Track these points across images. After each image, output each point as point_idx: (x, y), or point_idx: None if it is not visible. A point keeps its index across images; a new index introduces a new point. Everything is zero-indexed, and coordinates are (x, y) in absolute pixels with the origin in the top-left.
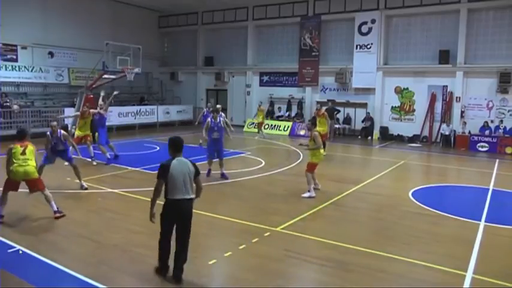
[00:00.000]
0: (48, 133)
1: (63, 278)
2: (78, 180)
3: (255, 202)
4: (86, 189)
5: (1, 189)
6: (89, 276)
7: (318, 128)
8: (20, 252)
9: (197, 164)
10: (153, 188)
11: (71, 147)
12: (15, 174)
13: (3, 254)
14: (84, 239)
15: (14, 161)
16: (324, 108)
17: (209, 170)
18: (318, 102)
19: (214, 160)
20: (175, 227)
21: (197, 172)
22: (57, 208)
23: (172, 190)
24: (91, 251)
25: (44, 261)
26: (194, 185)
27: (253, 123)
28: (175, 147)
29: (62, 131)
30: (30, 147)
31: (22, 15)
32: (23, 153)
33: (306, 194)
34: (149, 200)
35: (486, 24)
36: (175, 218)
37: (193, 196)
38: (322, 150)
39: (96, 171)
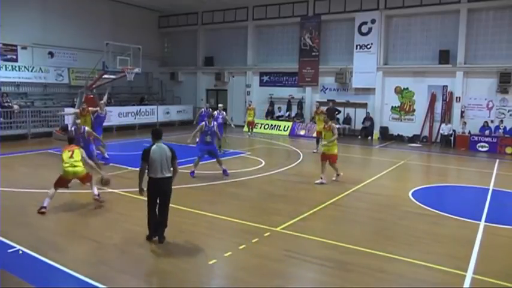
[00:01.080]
0: (72, 129)
1: (63, 278)
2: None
3: (255, 202)
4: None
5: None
6: (88, 276)
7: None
8: (20, 252)
9: (201, 163)
10: None
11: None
12: (66, 173)
13: (3, 254)
14: (84, 239)
15: (65, 162)
16: (323, 108)
17: (193, 172)
18: (317, 102)
19: (201, 162)
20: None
21: (173, 157)
22: (98, 194)
23: (153, 170)
24: (91, 251)
25: (43, 261)
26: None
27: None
28: (155, 135)
29: (86, 128)
30: (77, 151)
31: (22, 16)
32: (71, 156)
33: (319, 181)
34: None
35: (486, 24)
36: (156, 193)
37: (170, 175)
38: (321, 147)
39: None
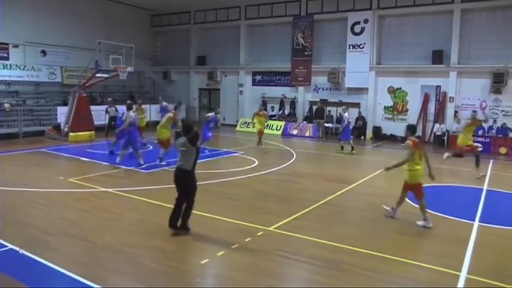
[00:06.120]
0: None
1: (56, 278)
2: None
3: (248, 202)
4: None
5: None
6: (81, 276)
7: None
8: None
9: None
10: (147, 187)
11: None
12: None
13: None
14: (76, 238)
15: (418, 161)
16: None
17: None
18: (310, 102)
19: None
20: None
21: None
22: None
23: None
24: (84, 251)
25: (37, 260)
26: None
27: (246, 122)
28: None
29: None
30: None
31: (14, 14)
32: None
33: (421, 223)
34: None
35: (479, 25)
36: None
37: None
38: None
39: (89, 170)
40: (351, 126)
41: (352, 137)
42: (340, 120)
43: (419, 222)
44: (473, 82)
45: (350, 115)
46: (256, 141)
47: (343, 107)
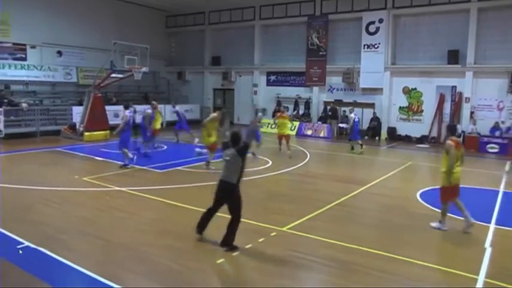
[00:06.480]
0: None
1: (73, 276)
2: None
3: (261, 202)
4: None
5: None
6: (98, 274)
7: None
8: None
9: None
10: (161, 186)
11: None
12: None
13: (13, 250)
14: (91, 237)
15: (457, 163)
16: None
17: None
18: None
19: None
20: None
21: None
22: None
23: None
24: (99, 249)
25: (53, 257)
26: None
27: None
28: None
29: None
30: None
31: (31, 15)
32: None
33: (435, 224)
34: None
35: (496, 24)
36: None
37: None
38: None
39: (103, 169)
40: (359, 127)
41: (360, 137)
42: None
43: (434, 224)
44: (490, 82)
45: (356, 115)
46: (279, 148)
47: (350, 107)
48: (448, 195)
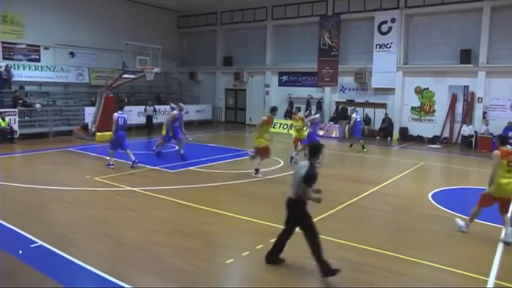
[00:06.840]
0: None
1: (84, 274)
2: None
3: (273, 202)
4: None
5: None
6: (108, 273)
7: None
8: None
9: (223, 162)
10: (172, 186)
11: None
12: (504, 190)
13: (26, 249)
14: (103, 236)
15: (506, 174)
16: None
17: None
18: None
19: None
20: None
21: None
22: None
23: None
24: (110, 249)
25: (64, 257)
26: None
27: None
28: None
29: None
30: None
31: (45, 17)
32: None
33: (461, 223)
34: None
35: (510, 23)
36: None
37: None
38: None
39: (114, 169)
40: (361, 126)
41: (361, 136)
42: (368, 121)
43: (460, 222)
44: (503, 82)
45: (358, 115)
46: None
47: (352, 107)
48: (485, 201)
